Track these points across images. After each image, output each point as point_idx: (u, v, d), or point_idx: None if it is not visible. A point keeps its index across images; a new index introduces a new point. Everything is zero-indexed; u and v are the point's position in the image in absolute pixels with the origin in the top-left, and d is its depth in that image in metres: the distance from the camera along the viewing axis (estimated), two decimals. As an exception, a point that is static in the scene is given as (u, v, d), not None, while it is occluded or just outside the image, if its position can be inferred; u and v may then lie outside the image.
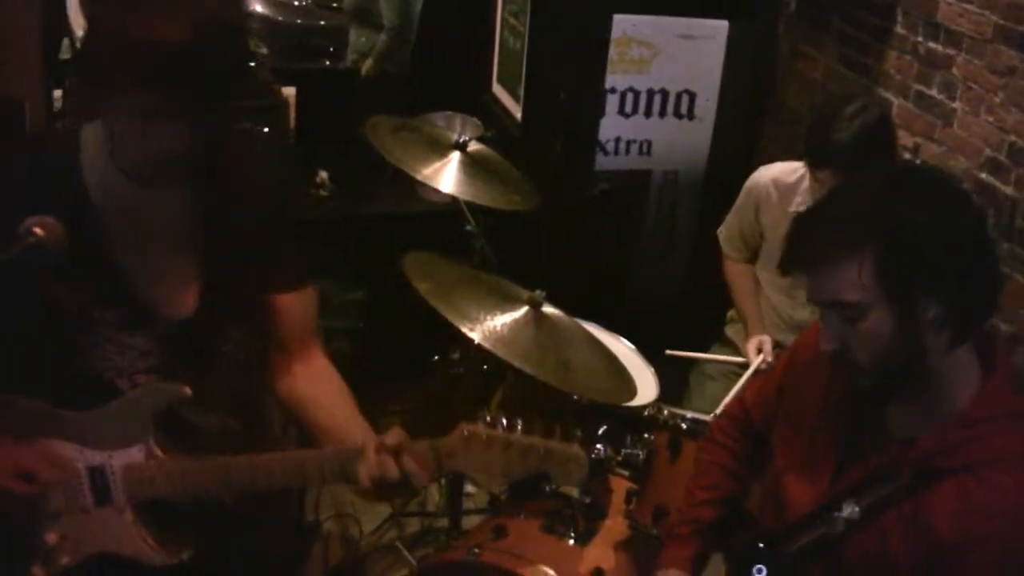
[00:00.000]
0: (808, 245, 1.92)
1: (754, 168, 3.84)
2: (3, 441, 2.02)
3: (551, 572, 2.73)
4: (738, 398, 2.59)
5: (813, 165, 3.29)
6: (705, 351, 3.98)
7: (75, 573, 2.07)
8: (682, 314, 4.79)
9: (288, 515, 2.56)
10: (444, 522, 3.86)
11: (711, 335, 4.08)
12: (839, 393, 2.09)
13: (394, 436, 1.96)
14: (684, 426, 2.85)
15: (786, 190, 3.60)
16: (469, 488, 4.04)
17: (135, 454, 2.03)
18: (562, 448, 1.84)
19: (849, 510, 2.00)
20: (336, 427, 2.18)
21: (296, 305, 2.24)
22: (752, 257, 3.85)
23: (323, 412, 2.23)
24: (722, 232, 3.92)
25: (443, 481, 4.05)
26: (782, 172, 3.66)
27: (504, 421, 1.87)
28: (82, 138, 2.02)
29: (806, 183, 3.50)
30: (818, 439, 2.14)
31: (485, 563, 2.74)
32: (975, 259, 1.86)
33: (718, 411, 3.37)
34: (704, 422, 2.85)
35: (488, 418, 1.88)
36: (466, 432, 1.87)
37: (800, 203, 3.50)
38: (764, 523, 2.31)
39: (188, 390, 2.01)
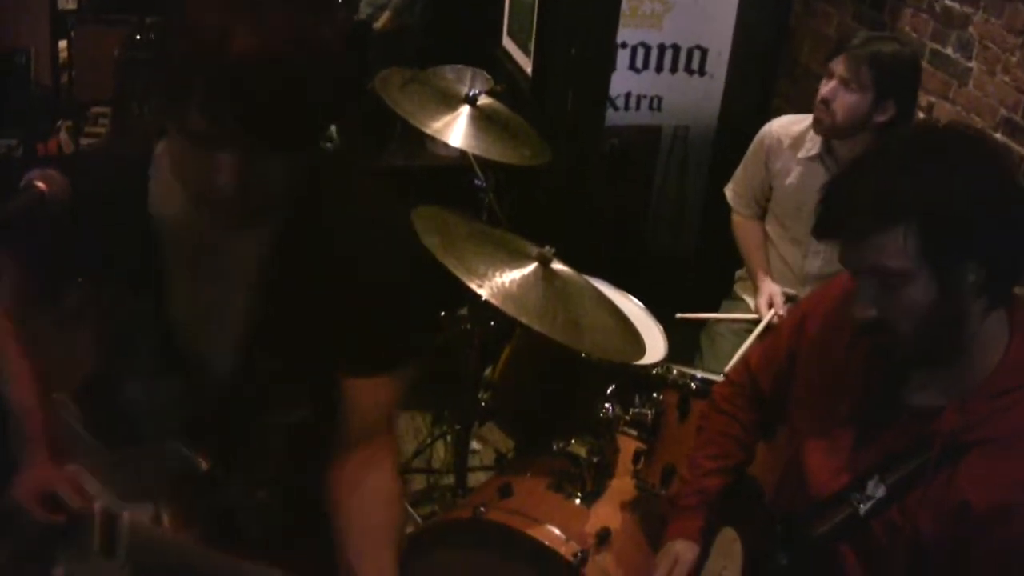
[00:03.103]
0: (847, 214, 1.88)
1: (769, 119, 3.81)
2: (39, 455, 1.91)
3: (557, 531, 2.70)
4: (742, 363, 2.54)
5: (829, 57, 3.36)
6: (715, 308, 3.97)
7: None
8: (692, 271, 4.77)
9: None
10: (450, 479, 3.86)
11: (721, 292, 4.06)
12: (859, 359, 2.06)
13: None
14: (694, 386, 2.83)
15: (796, 137, 3.61)
16: (475, 445, 4.03)
17: (144, 513, 1.89)
18: None
19: (874, 488, 1.97)
20: (357, 561, 1.82)
21: (363, 394, 1.90)
22: (761, 213, 3.83)
23: (354, 536, 1.85)
24: (730, 188, 3.90)
25: (449, 438, 4.05)
26: (792, 120, 3.68)
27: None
28: (156, 153, 1.83)
29: None
30: (836, 407, 2.11)
31: (491, 522, 2.72)
32: (1014, 218, 1.83)
33: (727, 369, 3.38)
34: (713, 382, 2.82)
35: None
36: None
37: (810, 148, 3.53)
38: (781, 495, 2.28)
39: (205, 464, 1.87)
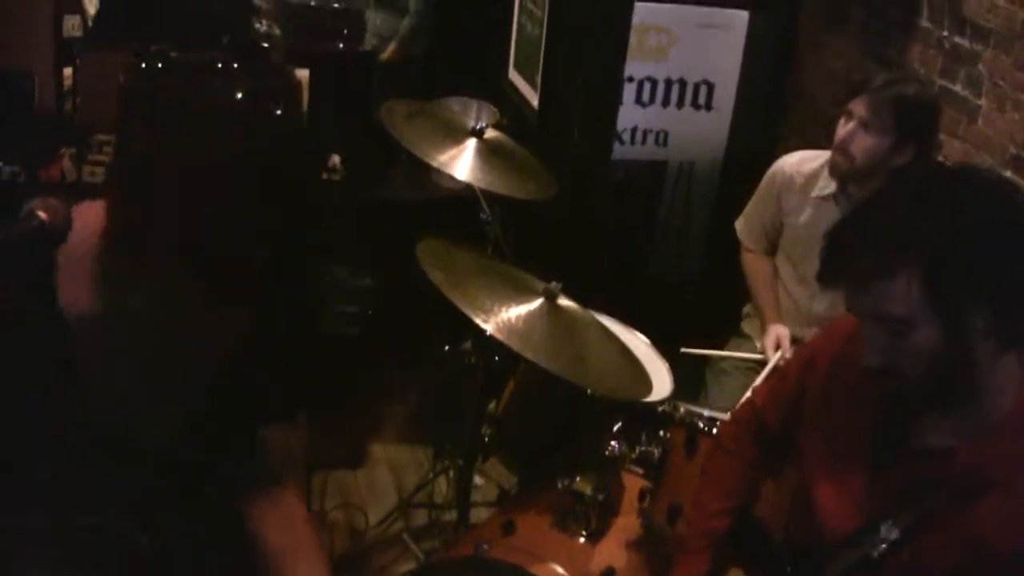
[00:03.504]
0: (851, 259, 1.86)
1: (773, 159, 3.78)
2: None
3: (561, 570, 2.67)
4: (747, 402, 2.51)
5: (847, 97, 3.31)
6: (721, 345, 3.93)
7: None
8: (697, 307, 4.75)
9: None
10: (452, 515, 3.79)
11: (727, 328, 4.03)
12: (869, 400, 2.03)
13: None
14: (701, 424, 2.78)
15: (809, 175, 3.57)
16: (478, 480, 3.99)
17: None
18: None
19: (888, 531, 1.91)
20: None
21: (280, 441, 2.02)
22: (771, 249, 3.80)
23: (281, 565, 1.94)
24: (740, 223, 3.86)
25: (451, 473, 4.01)
26: (804, 158, 3.63)
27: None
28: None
29: None
30: (846, 447, 2.08)
31: (494, 559, 2.69)
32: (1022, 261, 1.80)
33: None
34: (722, 420, 2.78)
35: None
36: None
37: (823, 187, 3.49)
38: (790, 535, 2.24)
39: (146, 540, 1.81)
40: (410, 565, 3.71)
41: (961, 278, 1.77)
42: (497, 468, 3.94)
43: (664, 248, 4.99)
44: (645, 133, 4.75)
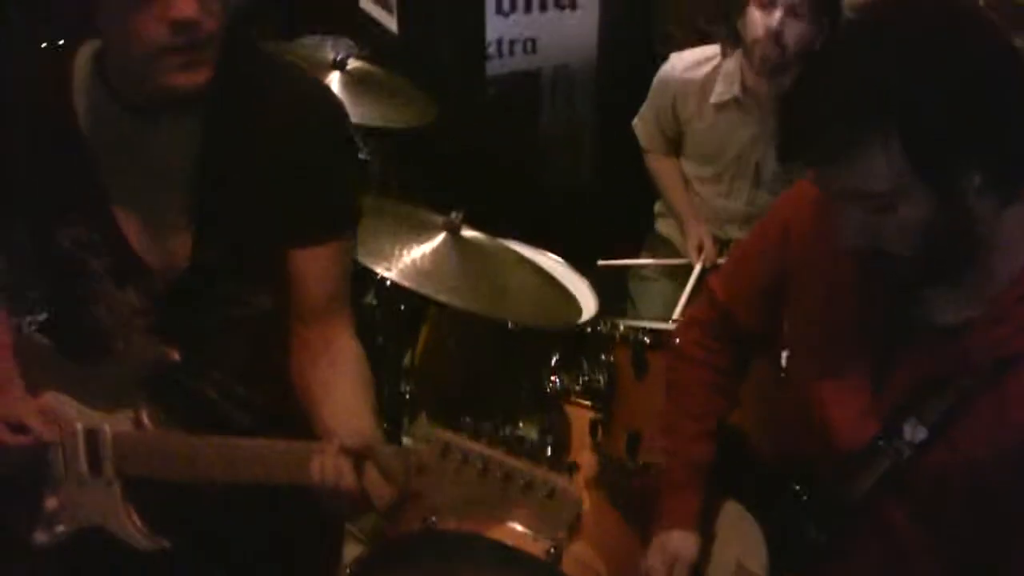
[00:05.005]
0: (814, 133, 1.57)
1: (651, 54, 3.65)
2: (10, 387, 1.92)
3: (521, 528, 2.39)
4: (705, 299, 2.20)
5: None
6: (637, 252, 3.78)
7: (73, 544, 1.94)
8: (602, 217, 4.52)
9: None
10: None
11: (639, 233, 3.86)
12: (860, 283, 1.75)
13: (359, 437, 1.66)
14: (646, 339, 2.53)
15: (704, 81, 3.39)
16: (406, 442, 3.70)
17: (124, 421, 1.87)
18: (550, 480, 1.46)
19: (913, 431, 1.69)
20: (334, 423, 1.78)
21: (314, 264, 1.89)
22: (675, 150, 3.61)
23: (330, 405, 1.84)
24: (638, 125, 3.67)
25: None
26: (695, 60, 3.44)
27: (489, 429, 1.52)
28: (76, 60, 1.82)
29: (728, 66, 3.30)
30: (845, 338, 1.81)
31: (447, 530, 2.41)
32: (1014, 101, 1.52)
33: (675, 314, 3.19)
34: (668, 331, 2.54)
35: (470, 423, 1.51)
36: (444, 441, 1.50)
37: (721, 93, 3.33)
38: (788, 451, 1.96)
39: (176, 354, 1.83)
40: (353, 550, 3.40)
41: (947, 135, 1.49)
42: (424, 426, 3.67)
43: (554, 161, 4.78)
44: (512, 44, 4.48)
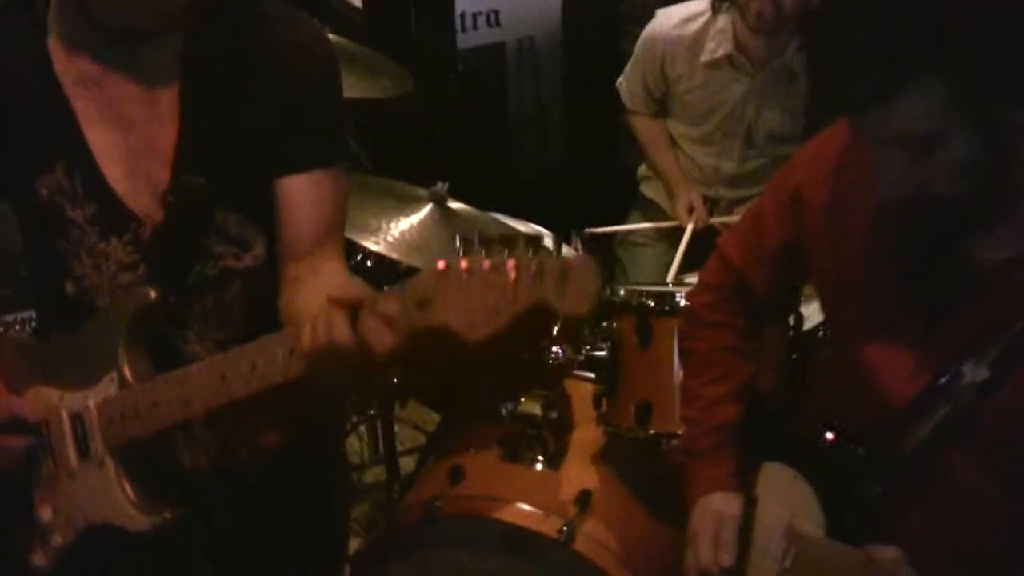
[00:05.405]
0: (848, 78, 1.52)
1: (616, 19, 3.59)
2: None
3: (528, 507, 2.30)
4: (719, 263, 2.11)
5: None
6: (623, 217, 3.72)
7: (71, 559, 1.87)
8: (580, 187, 4.52)
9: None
10: (377, 473, 3.50)
11: (621, 199, 3.81)
12: (904, 232, 1.68)
13: (350, 289, 1.56)
14: (650, 303, 2.41)
15: (694, 39, 3.30)
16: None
17: (108, 386, 1.77)
18: (559, 261, 1.31)
19: (975, 372, 1.60)
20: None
21: (302, 194, 1.79)
22: (661, 111, 3.53)
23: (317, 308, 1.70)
24: (622, 85, 3.59)
25: (363, 428, 3.60)
26: (683, 18, 3.36)
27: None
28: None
29: (719, 23, 3.22)
30: (885, 292, 1.74)
31: (450, 516, 2.31)
32: None
33: (670, 277, 3.15)
34: (670, 294, 2.43)
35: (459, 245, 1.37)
36: (441, 265, 1.35)
37: (713, 50, 3.25)
38: (839, 412, 1.86)
39: (154, 293, 1.73)
40: (352, 544, 3.30)
41: (993, 66, 1.45)
42: (412, 410, 3.56)
43: (523, 132, 4.71)
44: (475, 16, 4.42)
